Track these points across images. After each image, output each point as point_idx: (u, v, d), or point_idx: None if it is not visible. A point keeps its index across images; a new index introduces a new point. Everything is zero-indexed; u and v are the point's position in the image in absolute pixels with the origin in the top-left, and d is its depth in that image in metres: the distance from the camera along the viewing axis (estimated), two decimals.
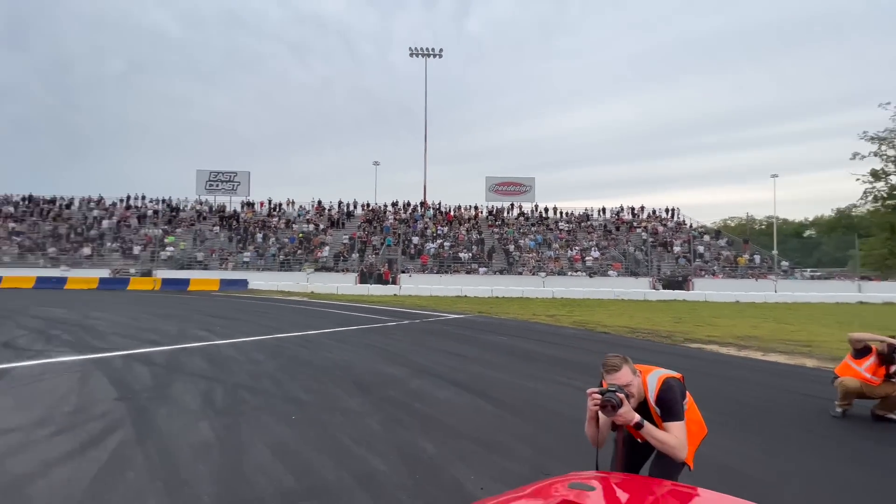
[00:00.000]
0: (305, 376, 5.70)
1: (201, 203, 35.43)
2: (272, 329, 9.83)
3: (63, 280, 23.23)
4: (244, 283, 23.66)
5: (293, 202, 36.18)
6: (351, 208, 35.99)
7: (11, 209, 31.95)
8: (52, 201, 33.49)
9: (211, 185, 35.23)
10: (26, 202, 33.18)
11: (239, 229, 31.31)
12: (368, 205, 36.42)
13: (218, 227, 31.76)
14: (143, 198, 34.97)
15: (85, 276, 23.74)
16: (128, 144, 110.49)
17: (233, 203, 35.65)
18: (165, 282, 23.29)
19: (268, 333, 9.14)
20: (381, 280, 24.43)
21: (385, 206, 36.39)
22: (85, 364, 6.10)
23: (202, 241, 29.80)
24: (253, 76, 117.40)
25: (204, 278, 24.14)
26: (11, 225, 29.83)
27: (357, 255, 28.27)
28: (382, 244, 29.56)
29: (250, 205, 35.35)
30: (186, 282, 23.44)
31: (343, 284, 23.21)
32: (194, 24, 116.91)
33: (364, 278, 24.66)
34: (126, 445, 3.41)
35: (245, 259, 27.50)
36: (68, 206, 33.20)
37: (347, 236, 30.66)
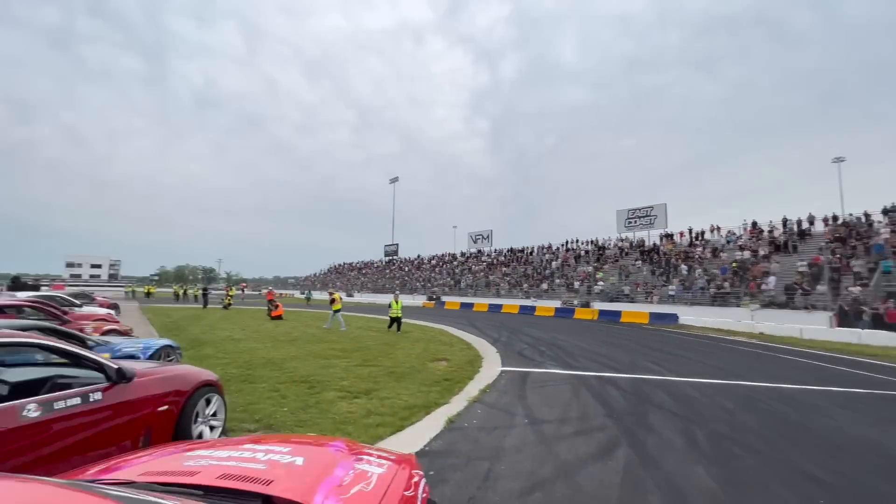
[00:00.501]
0: (808, 445, 4.42)
1: (622, 240, 38.30)
2: (727, 373, 8.64)
3: (533, 308, 31.26)
4: (674, 317, 22.88)
5: (718, 228, 32.17)
6: (805, 225, 27.57)
7: (503, 258, 47.23)
8: (522, 250, 46.68)
9: (630, 222, 37.50)
10: (509, 252, 48.07)
11: (660, 262, 31.12)
12: (836, 217, 26.61)
13: (640, 262, 32.99)
14: (577, 241, 42.07)
15: (546, 305, 30.92)
16: (561, 200, 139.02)
17: (651, 236, 36.21)
18: (602, 312, 26.36)
19: (724, 378, 8.08)
20: (881, 323, 16.53)
21: (867, 215, 25.33)
22: (570, 378, 7.56)
23: (626, 275, 31.81)
24: (655, 110, 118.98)
25: (634, 311, 25.41)
26: (503, 269, 43.91)
27: (827, 286, 20.86)
28: (874, 270, 20.38)
29: (669, 236, 34.56)
30: (619, 313, 25.49)
31: (809, 326, 17.47)
32: (601, 86, 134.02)
33: (846, 319, 17.62)
34: (633, 466, 3.74)
35: (671, 292, 26.72)
36: (531, 253, 45.12)
37: (805, 262, 23.41)
